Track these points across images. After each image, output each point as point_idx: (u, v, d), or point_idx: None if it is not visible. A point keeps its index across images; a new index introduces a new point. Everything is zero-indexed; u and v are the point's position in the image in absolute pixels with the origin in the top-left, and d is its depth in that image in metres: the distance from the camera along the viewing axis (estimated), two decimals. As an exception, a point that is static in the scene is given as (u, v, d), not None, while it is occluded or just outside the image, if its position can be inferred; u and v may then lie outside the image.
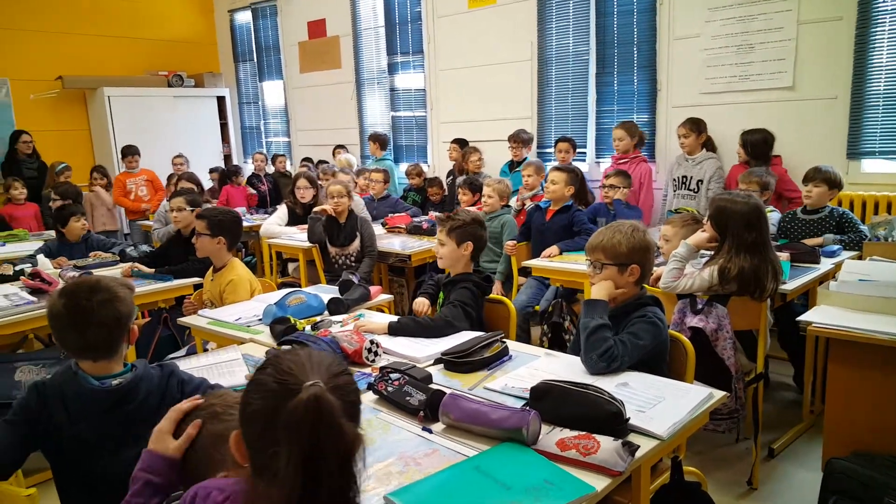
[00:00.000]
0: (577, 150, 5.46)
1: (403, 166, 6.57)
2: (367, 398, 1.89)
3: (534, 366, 2.06)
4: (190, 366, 2.29)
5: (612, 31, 5.42)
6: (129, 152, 6.76)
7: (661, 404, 1.71)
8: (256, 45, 8.57)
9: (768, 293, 2.64)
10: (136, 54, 8.12)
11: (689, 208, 4.18)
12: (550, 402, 1.63)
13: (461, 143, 6.13)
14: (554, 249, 3.91)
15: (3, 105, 7.19)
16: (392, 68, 7.14)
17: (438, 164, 6.70)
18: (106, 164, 7.34)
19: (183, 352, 3.54)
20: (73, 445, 1.65)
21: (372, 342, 2.19)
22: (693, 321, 2.65)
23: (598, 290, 2.08)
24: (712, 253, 2.84)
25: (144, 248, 4.44)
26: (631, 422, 1.59)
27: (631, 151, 4.93)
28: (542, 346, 3.94)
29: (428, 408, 1.72)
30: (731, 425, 2.69)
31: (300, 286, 4.69)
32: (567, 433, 1.52)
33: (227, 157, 8.73)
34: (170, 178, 6.48)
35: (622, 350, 1.93)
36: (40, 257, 4.01)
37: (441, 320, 2.43)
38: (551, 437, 1.52)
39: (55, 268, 3.93)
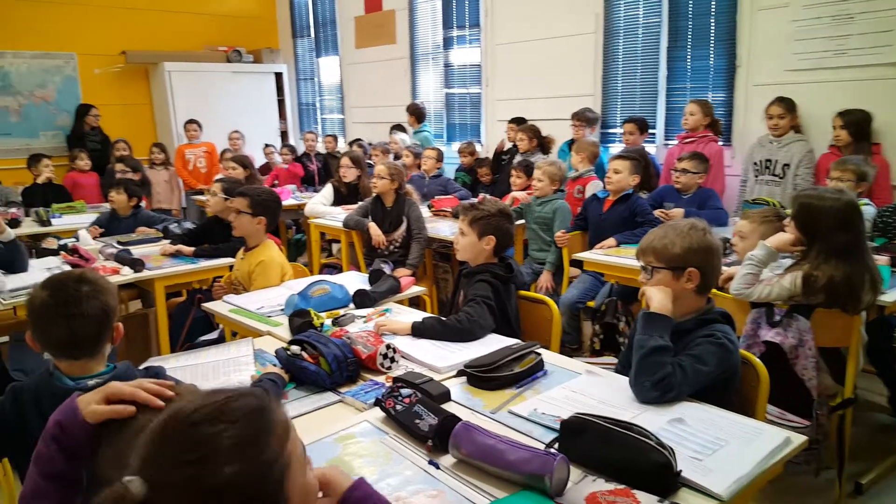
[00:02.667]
0: (645, 131, 5.01)
1: (456, 145, 6.28)
2: (374, 415, 1.64)
3: (572, 386, 1.76)
4: (197, 360, 2.12)
5: (687, 1, 4.93)
6: (190, 122, 6.76)
7: (723, 450, 1.38)
8: (314, 20, 8.42)
9: (864, 306, 2.23)
10: (197, 29, 8.09)
11: (771, 199, 3.74)
12: (584, 442, 1.34)
13: (518, 121, 5.78)
14: (611, 241, 3.57)
15: (70, 79, 7.30)
16: (447, 43, 6.84)
17: (492, 143, 6.38)
18: (166, 138, 7.38)
19: (215, 335, 3.43)
20: None
21: (388, 347, 1.95)
22: (769, 335, 2.28)
23: (659, 300, 1.75)
24: (796, 257, 2.44)
25: (187, 224, 4.34)
26: (683, 474, 1.28)
27: (700, 130, 4.48)
28: (594, 348, 3.64)
29: (437, 436, 1.46)
30: (810, 456, 2.31)
31: (342, 268, 4.54)
32: (601, 485, 1.23)
33: (284, 134, 8.66)
34: (222, 154, 6.43)
35: (681, 378, 1.60)
36: (81, 233, 3.98)
37: (467, 321, 2.16)
38: (581, 489, 1.24)
39: (93, 239, 3.89)
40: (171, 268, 3.41)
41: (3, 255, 3.11)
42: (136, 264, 3.32)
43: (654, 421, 1.49)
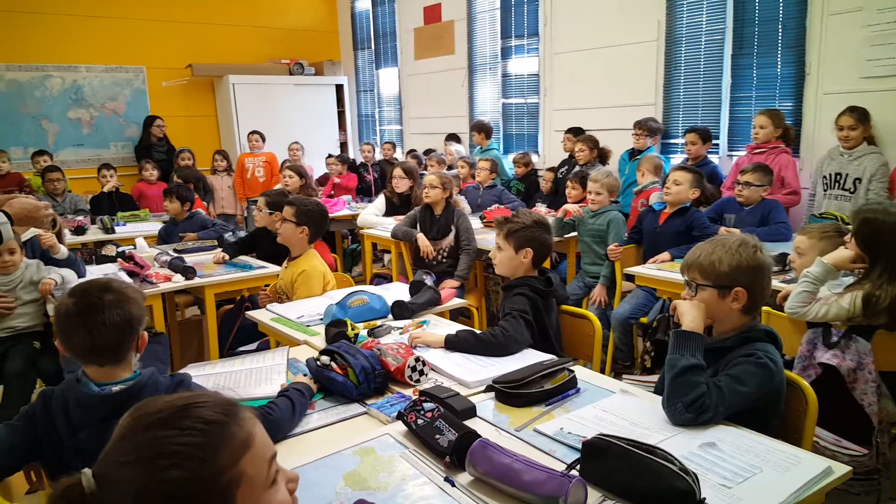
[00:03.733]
0: (708, 141, 4.83)
1: (512, 156, 6.23)
2: (396, 429, 1.61)
3: (603, 405, 1.69)
4: (232, 368, 2.15)
5: (753, 7, 4.74)
6: (253, 132, 6.97)
7: (755, 478, 1.29)
8: (374, 32, 8.56)
9: (931, 329, 2.06)
10: (261, 43, 8.35)
11: (839, 214, 3.53)
12: (605, 464, 1.28)
13: (575, 132, 5.68)
14: (665, 255, 3.45)
15: (139, 92, 7.65)
16: (505, 53, 6.81)
17: (549, 153, 6.29)
18: (229, 149, 7.62)
19: (254, 345, 3.48)
20: (73, 456, 1.54)
21: (418, 359, 1.92)
22: (825, 356, 2.13)
23: (691, 317, 1.65)
24: (857, 275, 2.28)
25: (242, 233, 4.46)
26: (707, 502, 1.19)
27: (772, 142, 4.26)
28: (644, 365, 3.51)
29: (455, 452, 1.42)
30: (869, 487, 2.14)
31: (391, 279, 4.55)
32: (619, 512, 1.16)
33: (343, 145, 8.81)
34: (282, 164, 6.58)
35: (716, 398, 1.51)
36: (139, 241, 4.12)
37: (502, 335, 2.10)
38: (597, 515, 1.17)
39: (150, 247, 4.03)
40: (221, 276, 3.50)
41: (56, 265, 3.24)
42: (188, 272, 3.41)
43: (685, 445, 1.41)
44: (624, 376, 3.21)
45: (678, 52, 5.26)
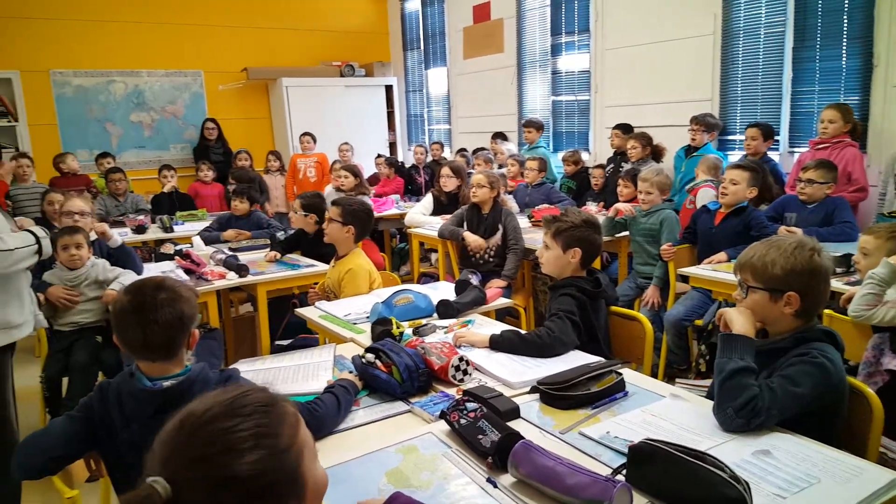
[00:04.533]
0: (769, 138, 4.64)
1: (562, 154, 6.15)
2: (440, 428, 1.61)
3: (652, 409, 1.64)
4: (281, 363, 2.19)
5: (816, -2, 4.55)
6: (305, 134, 7.09)
7: (812, 488, 1.23)
8: (424, 32, 8.59)
9: None
10: (313, 46, 8.49)
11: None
12: (652, 470, 1.24)
13: (624, 128, 5.57)
14: (721, 256, 3.35)
15: (197, 95, 7.89)
16: (555, 49, 6.72)
17: (601, 151, 6.19)
18: (282, 150, 7.77)
19: (286, 343, 3.52)
20: (126, 447, 1.59)
21: (461, 359, 1.90)
22: (892, 363, 2.02)
23: (740, 324, 1.60)
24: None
25: (293, 232, 4.53)
26: (762, 514, 1.14)
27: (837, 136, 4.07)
28: (699, 369, 3.41)
29: (497, 453, 1.40)
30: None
31: (438, 278, 4.55)
32: (665, 520, 1.12)
33: (392, 145, 8.87)
34: (333, 164, 6.66)
35: (769, 401, 1.45)
36: (195, 239, 4.24)
37: (547, 336, 2.07)
38: (642, 522, 1.13)
39: (205, 246, 4.14)
40: (273, 273, 3.56)
41: (116, 260, 3.37)
42: (242, 270, 3.49)
43: (738, 452, 1.36)
44: (677, 380, 3.13)
45: (736, 46, 5.09)
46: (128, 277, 3.15)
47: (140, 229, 4.86)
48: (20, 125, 6.83)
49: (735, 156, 5.04)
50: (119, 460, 1.63)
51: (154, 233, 4.94)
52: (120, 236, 3.58)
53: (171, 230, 4.92)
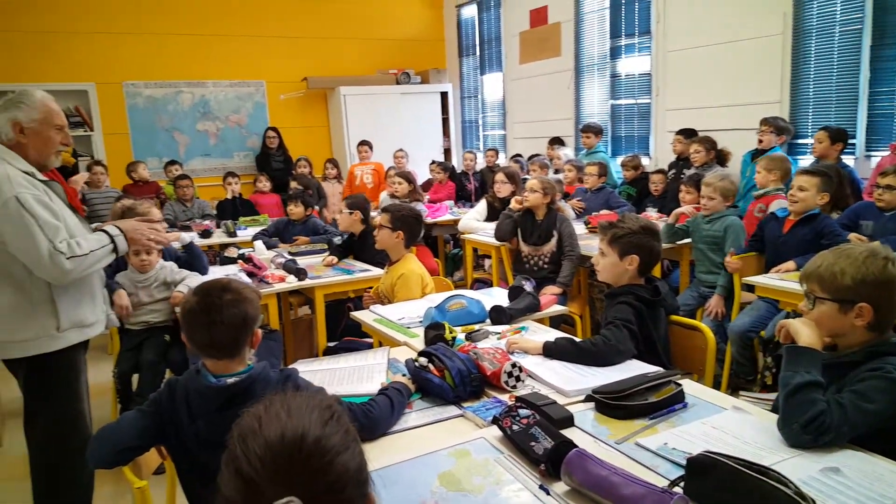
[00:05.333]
0: (842, 142, 4.44)
1: (621, 159, 6.04)
2: (492, 433, 1.60)
3: (713, 422, 1.58)
4: (336, 365, 2.22)
5: (896, -7, 4.34)
6: (362, 143, 7.20)
7: (886, 511, 1.16)
8: (480, 38, 8.62)
9: None
10: (370, 54, 8.63)
11: None
12: (711, 483, 1.20)
13: (687, 133, 5.43)
14: (790, 265, 3.21)
15: (259, 105, 8.13)
16: (614, 52, 6.63)
17: (662, 155, 6.05)
18: (340, 157, 7.92)
19: (333, 344, 3.57)
20: (192, 442, 1.64)
21: (514, 365, 1.89)
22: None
23: (806, 335, 1.52)
24: None
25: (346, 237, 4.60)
26: (830, 534, 1.09)
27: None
28: (764, 382, 3.28)
29: (551, 461, 1.38)
30: None
31: (492, 284, 4.53)
32: (725, 536, 1.08)
33: (447, 151, 8.91)
34: (387, 171, 6.74)
35: (838, 417, 1.38)
36: (257, 244, 4.36)
37: (603, 344, 2.03)
38: (701, 537, 1.09)
39: (267, 249, 4.26)
40: (330, 277, 3.63)
41: (185, 259, 3.53)
42: (300, 273, 3.57)
43: (804, 468, 1.29)
44: (741, 393, 3.02)
45: (807, 46, 4.90)
46: (194, 280, 3.26)
47: (206, 234, 5.03)
48: (95, 134, 7.20)
49: (806, 161, 4.85)
50: (185, 454, 1.68)
51: (219, 237, 5.10)
52: (189, 236, 3.77)
53: (235, 235, 5.06)
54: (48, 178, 2.27)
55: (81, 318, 2.28)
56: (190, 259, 3.53)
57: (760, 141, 4.76)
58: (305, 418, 0.82)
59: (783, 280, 3.08)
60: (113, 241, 2.28)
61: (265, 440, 0.78)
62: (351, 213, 3.93)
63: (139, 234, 2.39)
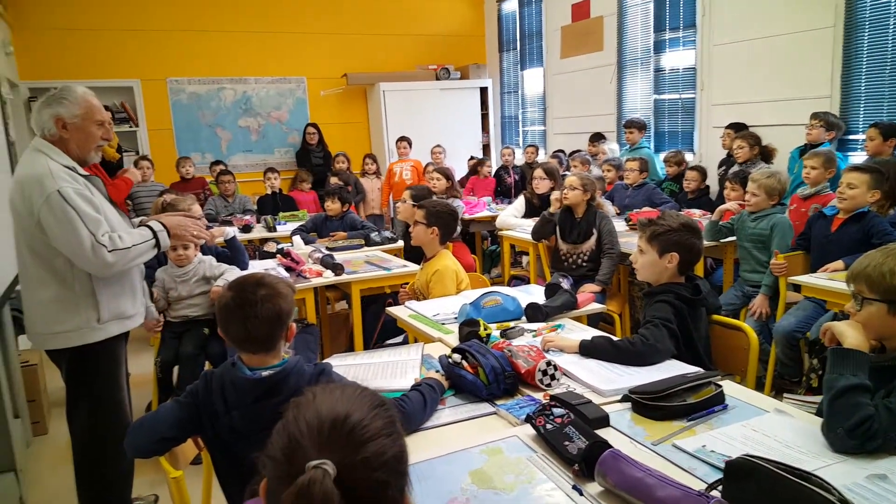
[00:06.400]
0: (892, 137, 4.26)
1: (664, 155, 5.92)
2: (525, 431, 1.58)
3: (754, 424, 1.54)
4: (371, 360, 2.23)
5: (956, -19, 4.14)
6: (401, 139, 7.23)
7: (940, 522, 1.11)
8: (520, 33, 8.54)
9: None
10: (409, 50, 8.63)
11: None
12: (751, 487, 1.16)
13: (737, 127, 5.28)
14: (837, 264, 3.11)
15: (300, 101, 8.21)
16: (658, 46, 6.49)
17: (706, 151, 5.91)
18: (378, 152, 7.95)
19: (400, 339, 3.60)
20: (227, 433, 1.67)
21: (549, 363, 1.86)
22: None
23: (852, 337, 1.47)
24: None
25: (386, 234, 4.62)
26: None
27: None
28: (810, 384, 3.17)
29: (585, 461, 1.36)
30: None
31: (529, 280, 4.50)
32: (764, 543, 1.05)
33: (486, 147, 8.87)
34: (425, 167, 6.74)
35: (887, 423, 1.32)
36: (296, 239, 4.41)
37: (641, 344, 1.99)
38: (738, 544, 1.06)
39: (304, 244, 4.30)
40: (367, 273, 3.65)
41: (228, 253, 3.60)
42: (337, 268, 3.60)
43: (849, 474, 1.25)
44: (785, 395, 2.92)
45: (860, 39, 4.71)
46: (232, 274, 3.31)
47: (246, 228, 5.11)
48: (140, 130, 7.38)
49: (858, 157, 4.67)
50: (220, 444, 1.71)
51: (259, 232, 5.18)
52: (232, 230, 3.85)
53: (274, 230, 5.13)
54: (89, 174, 2.32)
55: (122, 311, 2.33)
56: (232, 253, 3.59)
57: (809, 135, 4.61)
58: (356, 401, 0.88)
59: (831, 280, 2.98)
60: (156, 237, 2.32)
61: (317, 410, 0.85)
62: (415, 206, 3.88)
63: (183, 229, 2.43)
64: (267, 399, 1.65)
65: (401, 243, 4.47)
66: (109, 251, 2.15)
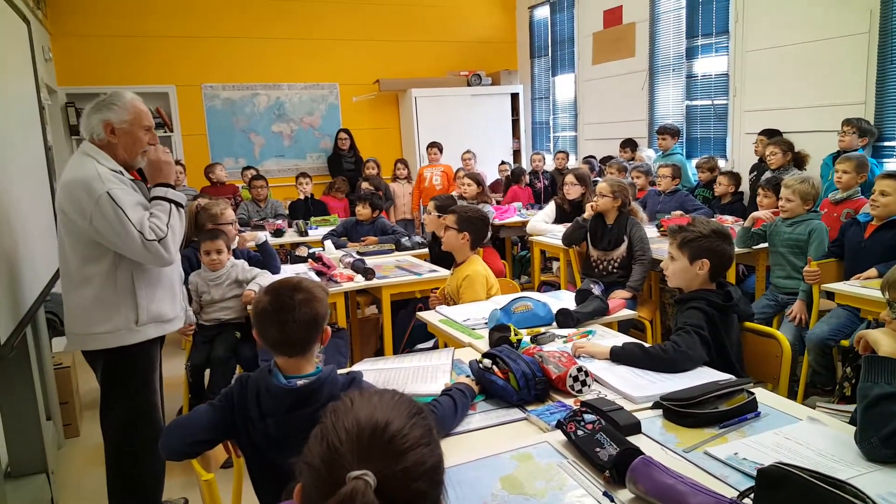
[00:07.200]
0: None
1: (696, 161, 5.87)
2: (556, 437, 1.59)
3: (786, 433, 1.53)
4: (401, 364, 2.25)
5: None
6: (432, 145, 7.27)
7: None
8: (552, 39, 8.54)
9: None
10: (442, 56, 8.70)
11: None
12: (783, 496, 1.15)
13: (770, 134, 5.22)
14: (872, 272, 3.07)
15: (332, 106, 8.33)
16: (690, 52, 6.44)
17: (739, 157, 5.84)
18: (410, 157, 8.01)
19: (430, 343, 3.63)
20: (262, 440, 1.68)
21: (580, 369, 1.87)
22: None
23: (887, 344, 1.45)
24: None
25: (417, 238, 4.66)
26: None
27: None
28: (843, 393, 3.12)
29: (615, 468, 1.36)
30: None
31: (559, 286, 4.49)
32: (797, 553, 1.04)
33: (517, 153, 8.87)
34: (456, 173, 6.77)
35: (924, 433, 1.30)
36: (327, 243, 4.47)
37: (673, 350, 1.98)
38: (771, 553, 1.06)
39: (336, 248, 4.36)
40: (397, 278, 3.68)
41: (259, 257, 3.66)
42: (368, 273, 3.64)
43: (884, 484, 1.24)
44: (818, 403, 2.88)
45: (895, 45, 4.63)
46: (264, 278, 3.36)
47: (278, 233, 5.19)
48: (175, 135, 7.54)
49: (892, 164, 4.59)
50: (254, 450, 1.73)
51: (290, 236, 5.26)
52: (264, 234, 3.92)
53: (306, 234, 5.20)
54: (134, 178, 2.38)
55: (160, 314, 2.36)
56: (264, 257, 3.65)
57: (841, 142, 4.53)
58: (395, 409, 0.87)
59: (864, 287, 2.93)
60: (167, 200, 2.30)
61: (355, 417, 0.84)
62: (440, 217, 3.90)
63: (159, 164, 2.35)
64: (301, 408, 1.66)
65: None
66: (159, 242, 2.20)
